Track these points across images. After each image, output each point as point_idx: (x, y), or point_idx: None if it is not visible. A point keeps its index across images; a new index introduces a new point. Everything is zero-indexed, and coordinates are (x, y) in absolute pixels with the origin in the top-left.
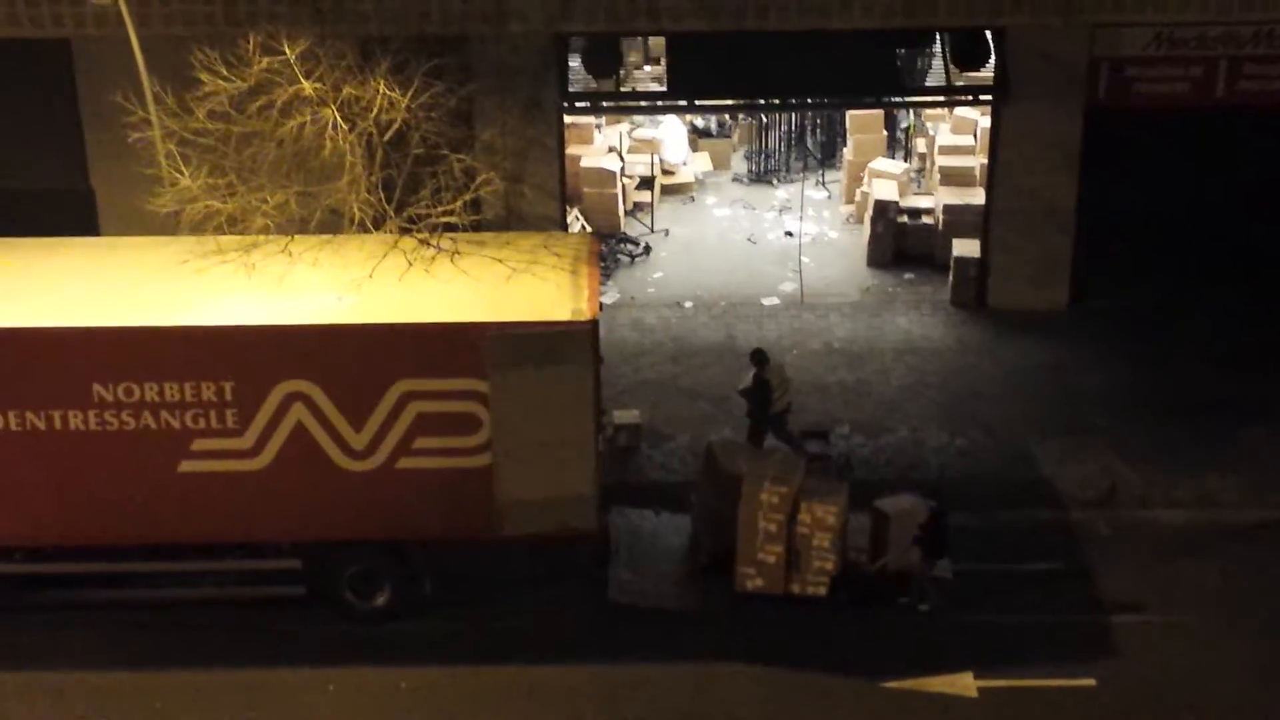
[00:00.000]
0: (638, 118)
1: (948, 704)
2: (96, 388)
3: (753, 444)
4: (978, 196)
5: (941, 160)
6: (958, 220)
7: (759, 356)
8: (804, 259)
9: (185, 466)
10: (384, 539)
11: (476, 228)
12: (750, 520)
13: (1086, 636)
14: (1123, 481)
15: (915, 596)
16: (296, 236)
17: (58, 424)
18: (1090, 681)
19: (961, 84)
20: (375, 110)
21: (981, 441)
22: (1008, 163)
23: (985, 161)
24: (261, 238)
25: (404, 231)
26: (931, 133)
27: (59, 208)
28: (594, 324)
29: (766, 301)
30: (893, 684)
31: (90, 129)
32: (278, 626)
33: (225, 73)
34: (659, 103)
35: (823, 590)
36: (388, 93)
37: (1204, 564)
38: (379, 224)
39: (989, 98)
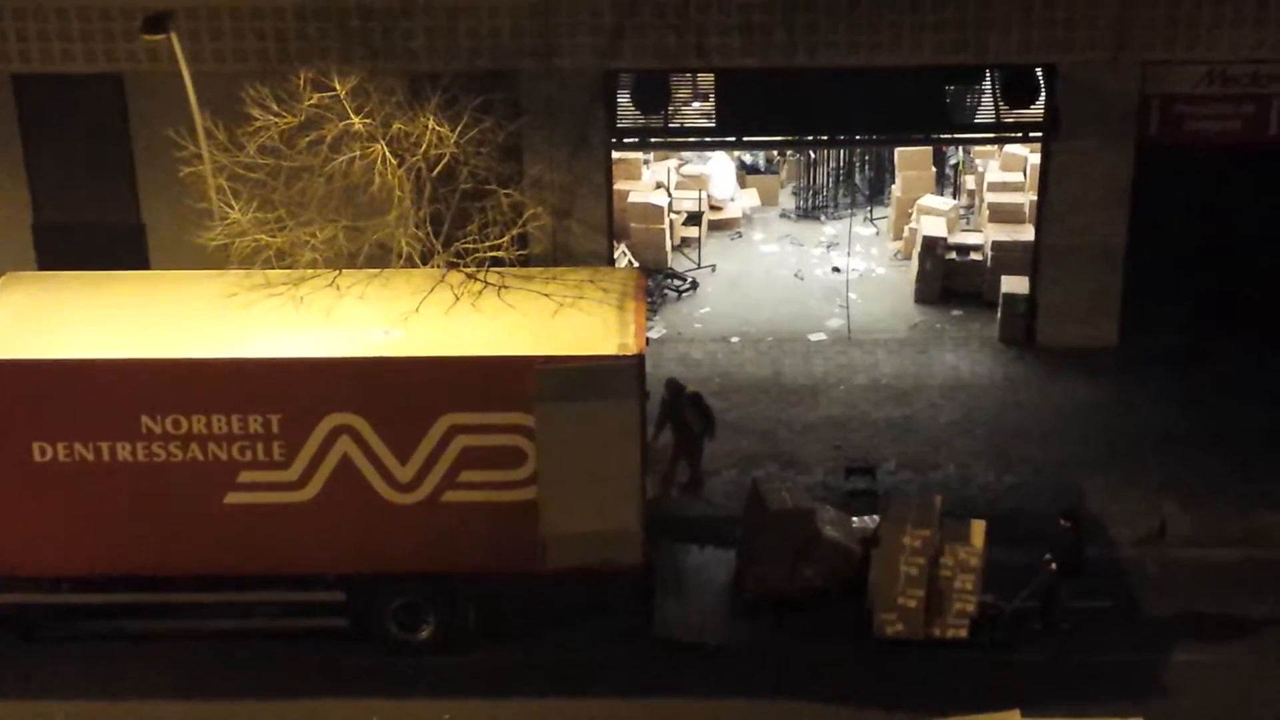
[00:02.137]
0: (686, 154)
1: None
2: (145, 419)
3: (694, 467)
4: (1027, 233)
5: (991, 197)
6: (1007, 257)
7: (676, 385)
8: (851, 295)
9: (231, 498)
10: (428, 572)
11: (523, 262)
12: (890, 565)
13: (1136, 674)
14: (1172, 519)
15: (1051, 620)
16: (344, 270)
17: (106, 455)
18: None
19: (1011, 121)
20: (424, 146)
21: (1029, 478)
22: (1057, 200)
23: (1035, 198)
24: (310, 271)
25: (451, 266)
26: (981, 169)
27: (110, 241)
28: (640, 358)
29: (813, 337)
30: None
31: (142, 164)
32: (321, 658)
33: (276, 108)
34: (707, 139)
35: (963, 632)
36: (437, 128)
37: (1255, 602)
38: (427, 258)
39: (1039, 135)
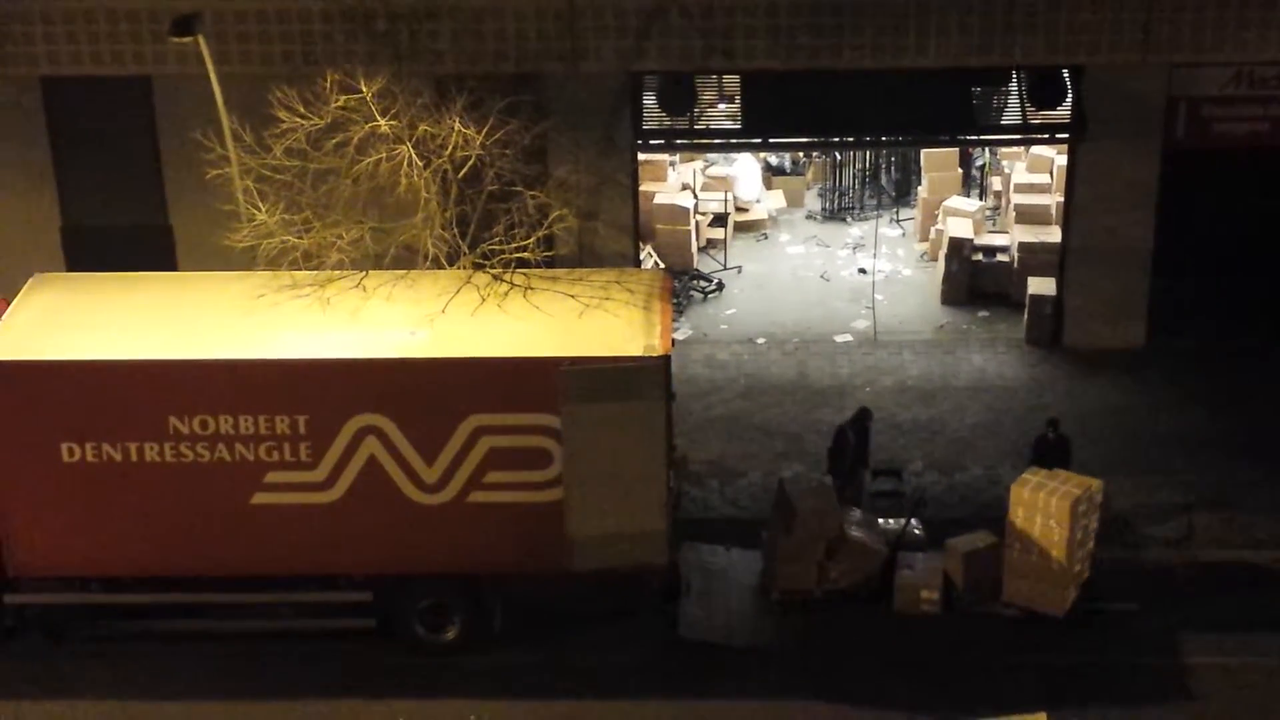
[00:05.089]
0: (711, 155)
1: None
2: (173, 420)
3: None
4: (1053, 235)
5: (1017, 198)
6: (1033, 258)
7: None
8: (877, 296)
9: (259, 499)
10: (455, 573)
11: (549, 264)
12: (1071, 542)
13: (1162, 678)
14: (1200, 522)
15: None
16: (371, 272)
17: (134, 456)
18: None
19: (1038, 122)
20: (450, 147)
21: None
22: (1084, 201)
23: (1061, 200)
24: (336, 273)
25: (478, 267)
26: (1007, 171)
27: (138, 243)
28: (666, 360)
29: (839, 338)
30: None
31: (169, 166)
32: (348, 659)
33: (303, 110)
34: (733, 140)
35: (1089, 571)
36: (463, 130)
37: None
38: (453, 260)
39: (1065, 136)
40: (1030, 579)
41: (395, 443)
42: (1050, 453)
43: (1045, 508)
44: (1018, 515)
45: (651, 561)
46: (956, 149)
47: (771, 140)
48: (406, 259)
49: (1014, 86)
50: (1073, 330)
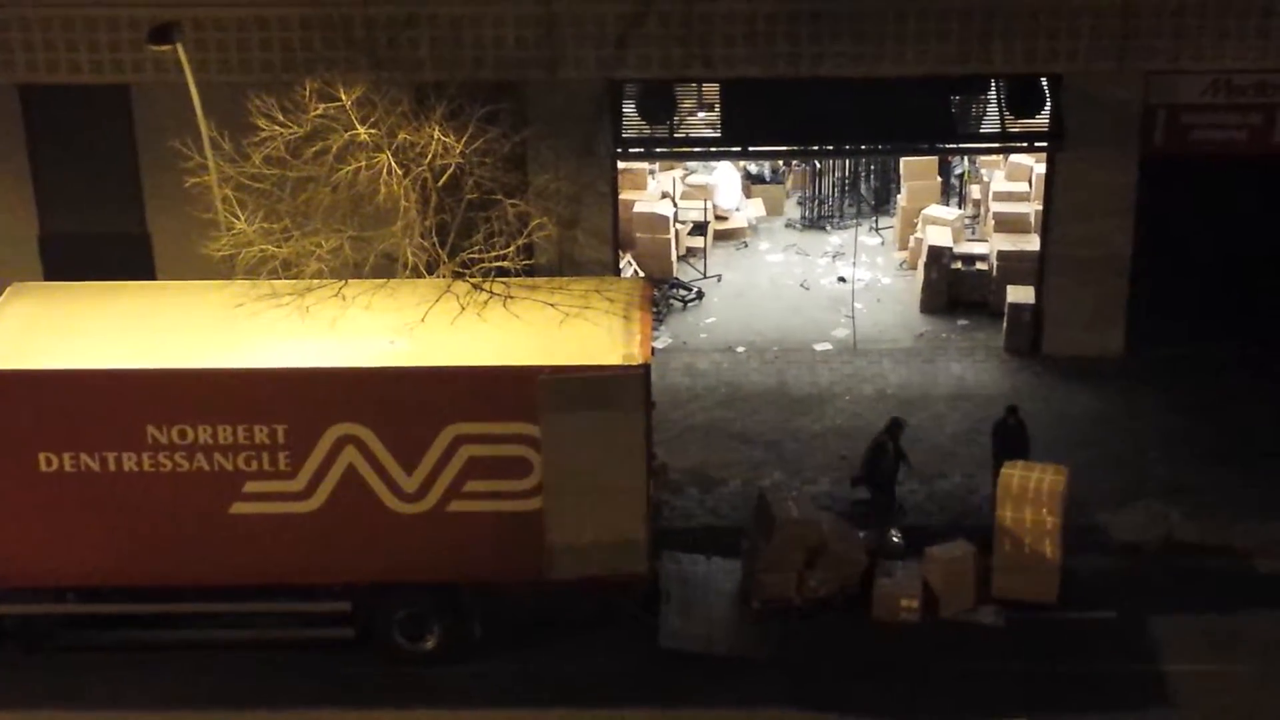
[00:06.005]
0: (691, 163)
1: None
2: (150, 429)
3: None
4: (1032, 243)
5: (996, 206)
6: (1012, 266)
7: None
8: (857, 305)
9: (237, 508)
10: (434, 582)
11: (529, 272)
12: (1052, 534)
13: (1140, 685)
14: (1178, 529)
15: None
16: (350, 280)
17: (112, 465)
18: None
19: (1016, 130)
20: (430, 155)
21: None
22: (1063, 209)
23: (1040, 208)
24: (315, 282)
25: (457, 276)
26: (986, 179)
27: (116, 252)
28: (646, 368)
29: (819, 347)
30: None
31: (148, 174)
32: (326, 668)
33: (282, 118)
34: (712, 149)
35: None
36: (442, 138)
37: (1261, 612)
38: (432, 268)
39: (1044, 144)
40: (1021, 573)
41: (374, 452)
42: (1010, 437)
43: (1035, 498)
44: (1006, 511)
45: (631, 570)
46: (936, 157)
47: (751, 148)
48: (386, 268)
49: (993, 95)
50: (1052, 338)
